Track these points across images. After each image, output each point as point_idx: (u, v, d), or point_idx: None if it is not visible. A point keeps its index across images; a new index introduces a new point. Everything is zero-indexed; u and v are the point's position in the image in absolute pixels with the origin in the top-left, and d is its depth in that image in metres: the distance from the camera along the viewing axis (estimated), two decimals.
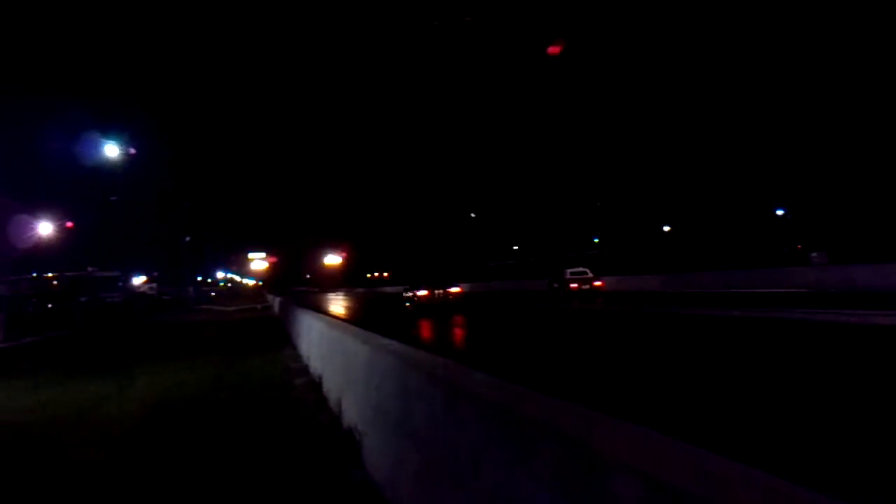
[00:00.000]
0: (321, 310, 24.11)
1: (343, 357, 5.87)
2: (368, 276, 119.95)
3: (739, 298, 17.21)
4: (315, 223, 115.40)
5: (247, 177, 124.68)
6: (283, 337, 14.80)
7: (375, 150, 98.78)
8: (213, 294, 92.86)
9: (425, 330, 13.77)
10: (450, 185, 76.19)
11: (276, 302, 34.05)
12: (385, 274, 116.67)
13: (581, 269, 28.85)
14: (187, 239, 50.37)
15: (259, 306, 39.78)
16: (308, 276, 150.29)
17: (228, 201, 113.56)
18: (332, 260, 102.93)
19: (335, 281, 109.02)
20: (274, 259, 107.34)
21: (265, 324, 21.19)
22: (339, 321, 9.27)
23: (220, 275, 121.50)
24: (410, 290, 21.62)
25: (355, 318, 22.24)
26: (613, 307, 17.61)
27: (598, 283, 26.97)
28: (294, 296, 74.54)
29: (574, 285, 27.22)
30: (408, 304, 21.50)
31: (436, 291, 21.11)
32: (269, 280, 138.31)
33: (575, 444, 1.90)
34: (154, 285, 57.46)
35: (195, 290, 57.39)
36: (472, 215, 63.09)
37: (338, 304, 38.89)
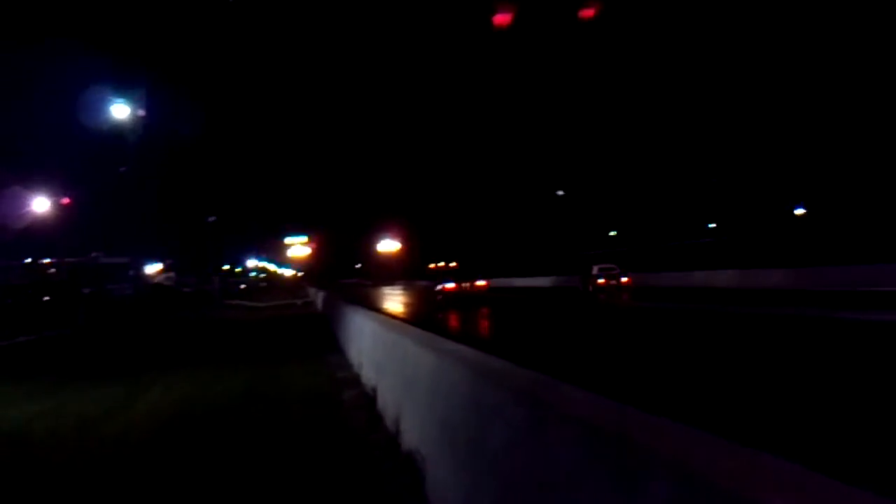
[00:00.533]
0: (375, 307, 24.71)
1: (402, 365, 6.05)
2: (432, 266, 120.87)
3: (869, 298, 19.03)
4: (368, 202, 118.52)
5: (285, 144, 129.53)
6: (329, 340, 15.37)
7: (441, 114, 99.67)
8: (242, 286, 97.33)
9: (452, 320, 20.10)
10: (533, 158, 76.36)
11: (319, 297, 35.17)
12: (452, 264, 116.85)
13: (609, 265, 36.41)
14: (211, 219, 52.93)
15: (299, 302, 41.36)
16: (358, 267, 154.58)
17: (262, 174, 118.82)
18: (388, 247, 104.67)
19: (391, 272, 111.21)
20: (316, 245, 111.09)
21: (306, 323, 22.11)
22: (397, 321, 9.52)
23: (250, 263, 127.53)
24: (440, 284, 31.04)
25: (417, 317, 22.79)
26: (641, 304, 22.75)
27: (625, 280, 34.46)
28: (341, 290, 76.76)
29: (601, 281, 34.92)
30: (438, 296, 30.59)
31: (462, 284, 29.84)
32: (311, 270, 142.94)
33: (699, 483, 1.90)
34: (172, 275, 61.09)
35: (221, 281, 60.65)
36: (560, 193, 63.04)
37: (395, 301, 39.80)
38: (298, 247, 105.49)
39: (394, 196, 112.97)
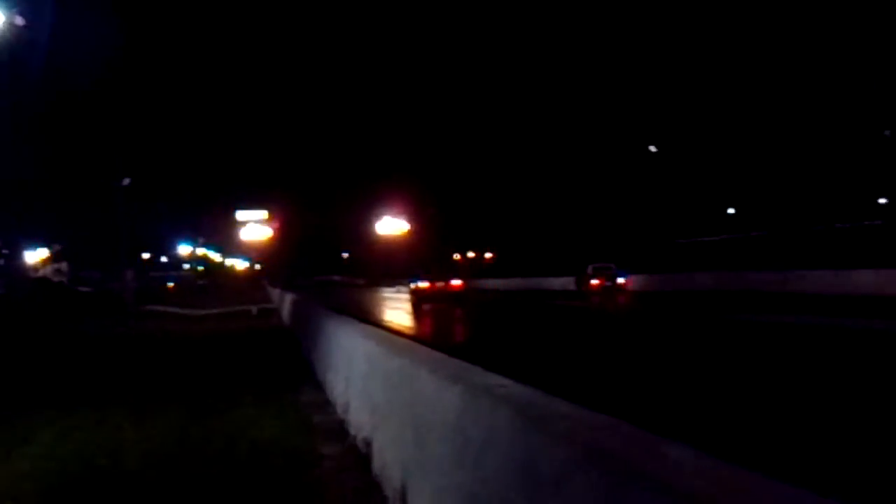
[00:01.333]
0: (370, 319, 24.85)
1: (411, 407, 6.05)
2: (458, 257, 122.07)
3: None
4: (360, 161, 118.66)
5: (237, 75, 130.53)
6: (300, 367, 15.61)
7: (467, 37, 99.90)
8: (170, 284, 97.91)
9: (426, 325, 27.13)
10: (608, 98, 77.79)
11: (285, 302, 35.53)
12: (487, 255, 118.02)
13: (605, 264, 50.12)
14: (126, 182, 53.13)
15: (254, 309, 41.80)
16: (346, 257, 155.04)
17: (202, 118, 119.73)
18: (390, 228, 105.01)
19: (394, 266, 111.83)
20: (281, 224, 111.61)
21: (267, 342, 22.48)
22: (404, 340, 9.53)
23: (183, 250, 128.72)
24: (413, 283, 44.50)
25: (435, 336, 22.90)
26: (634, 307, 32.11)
27: (621, 281, 49.85)
28: (319, 291, 77.63)
29: (595, 282, 50.12)
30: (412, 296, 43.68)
31: (436, 284, 43.27)
32: (274, 262, 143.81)
33: None
34: (63, 266, 61.75)
35: (138, 277, 61.29)
36: (652, 149, 63.57)
37: (399, 310, 40.80)
38: (255, 226, 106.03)
39: (399, 152, 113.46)
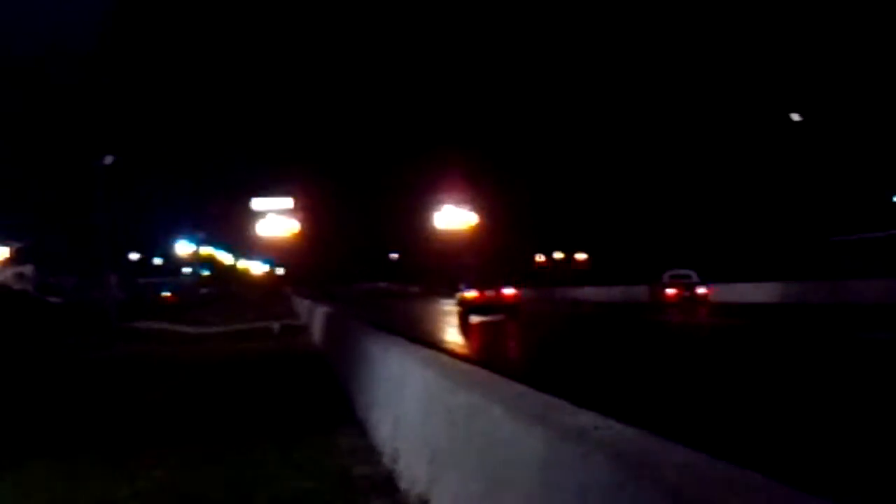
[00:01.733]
0: (427, 339, 24.64)
1: (482, 454, 6.10)
2: (542, 259, 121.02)
3: None
4: (413, 133, 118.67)
5: (254, 30, 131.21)
6: (334, 402, 15.74)
7: None
8: (167, 294, 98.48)
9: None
10: (740, 66, 78.13)
11: (316, 316, 35.65)
12: (579, 256, 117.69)
13: (685, 272, 56.41)
14: (108, 161, 54.01)
15: (276, 326, 42.11)
16: (395, 259, 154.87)
17: (208, 85, 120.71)
18: (453, 220, 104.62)
19: (460, 269, 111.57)
20: (311, 216, 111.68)
21: (291, 368, 22.79)
22: (472, 367, 9.56)
23: (183, 249, 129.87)
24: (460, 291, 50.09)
25: (507, 360, 23.18)
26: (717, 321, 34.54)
27: (702, 291, 55.54)
28: (360, 302, 77.83)
29: (671, 292, 56.50)
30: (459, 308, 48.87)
31: (486, 293, 48.37)
32: (301, 264, 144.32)
33: None
34: (27, 271, 62.37)
35: (124, 284, 61.82)
36: (795, 118, 63.09)
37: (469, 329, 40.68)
38: (276, 218, 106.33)
39: (464, 121, 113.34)
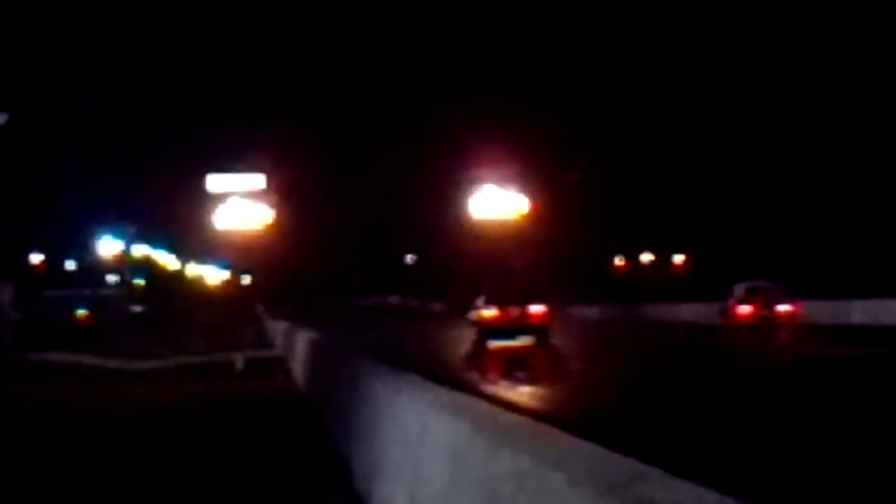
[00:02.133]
0: (457, 379, 24.64)
1: None
2: (622, 263, 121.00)
3: None
4: (434, 81, 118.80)
5: None
6: (322, 471, 15.86)
7: None
8: (81, 313, 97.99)
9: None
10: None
11: (298, 345, 35.69)
12: (677, 258, 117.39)
13: (765, 282, 58.74)
14: (1, 121, 54.42)
15: (240, 360, 42.17)
16: (414, 262, 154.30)
17: (146, 13, 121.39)
18: (495, 207, 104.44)
19: (504, 278, 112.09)
20: (289, 200, 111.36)
21: (261, 422, 22.91)
22: (519, 419, 9.56)
23: (107, 248, 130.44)
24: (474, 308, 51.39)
25: (572, 405, 23.13)
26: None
27: (784, 309, 55.88)
28: (362, 324, 77.88)
29: (746, 311, 57.05)
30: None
31: (508, 311, 47.84)
32: (276, 270, 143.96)
33: None
34: None
35: (23, 298, 61.98)
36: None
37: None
38: (241, 204, 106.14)
39: (510, 62, 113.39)
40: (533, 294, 53.48)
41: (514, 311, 48.18)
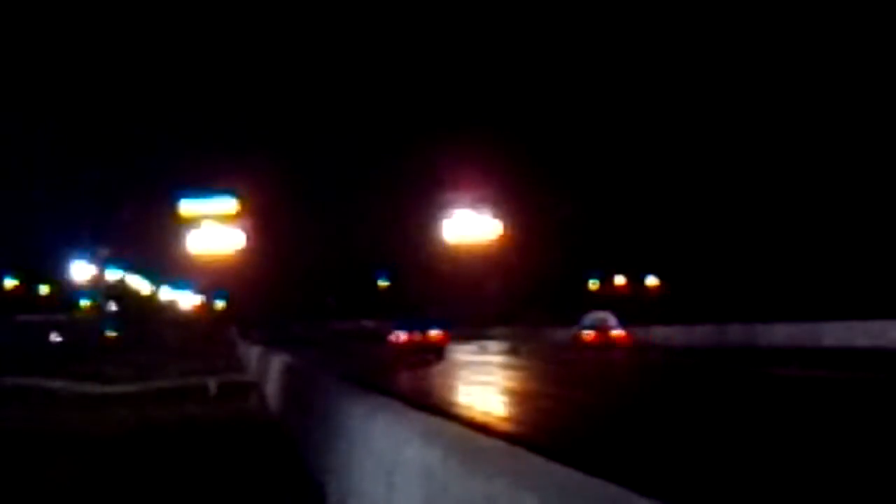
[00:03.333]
0: (431, 402, 24.58)
1: None
2: (595, 286, 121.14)
3: None
4: (406, 106, 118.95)
5: None
6: (296, 497, 15.84)
7: None
8: (56, 338, 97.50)
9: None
10: None
11: (272, 369, 35.69)
12: (650, 281, 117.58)
13: (602, 314, 79.13)
14: None
15: (213, 384, 42.09)
16: (387, 287, 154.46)
17: (122, 40, 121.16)
18: (469, 230, 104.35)
19: (478, 302, 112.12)
20: (262, 223, 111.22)
21: (234, 448, 22.80)
22: (494, 443, 9.53)
23: (80, 272, 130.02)
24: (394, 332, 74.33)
25: (551, 429, 23.15)
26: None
27: (615, 334, 75.97)
28: (335, 348, 78.28)
29: (589, 335, 76.91)
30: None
31: (414, 336, 71.58)
32: (250, 294, 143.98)
33: None
34: None
35: None
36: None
37: (488, 386, 41.34)
38: (214, 228, 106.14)
39: (482, 93, 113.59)
40: (432, 322, 74.39)
41: (418, 336, 70.32)
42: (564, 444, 19.91)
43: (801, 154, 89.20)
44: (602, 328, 76.48)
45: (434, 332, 70.81)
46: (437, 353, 67.81)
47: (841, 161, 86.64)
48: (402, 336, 70.52)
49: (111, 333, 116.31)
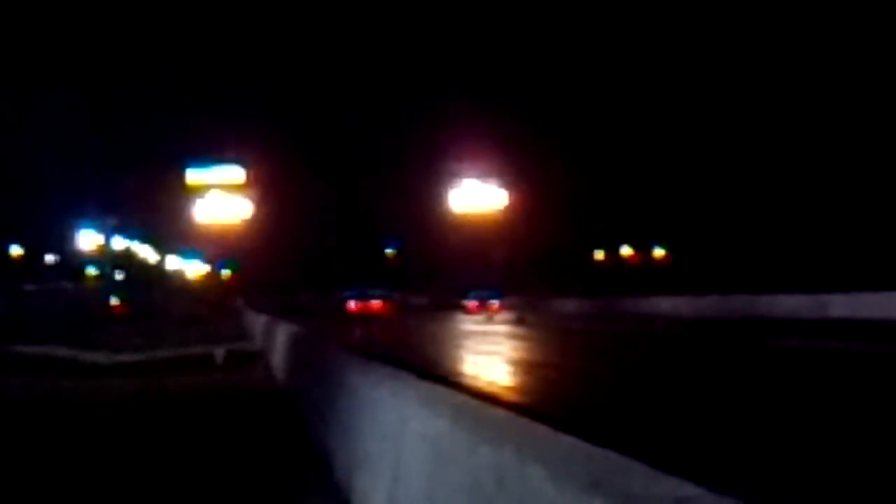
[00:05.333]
0: (438, 372, 24.63)
1: None
2: (601, 257, 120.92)
3: None
4: (416, 74, 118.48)
5: None
6: (302, 463, 15.82)
7: None
8: (115, 303, 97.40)
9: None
10: None
11: (278, 339, 35.55)
12: (656, 252, 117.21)
13: (485, 293, 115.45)
14: None
15: (220, 353, 41.99)
16: (394, 255, 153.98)
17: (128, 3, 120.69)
18: (476, 200, 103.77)
19: (485, 272, 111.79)
20: (269, 193, 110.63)
21: (241, 415, 22.93)
22: (502, 413, 9.51)
23: (87, 241, 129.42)
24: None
25: (556, 399, 23.14)
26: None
27: (491, 304, 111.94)
28: (342, 318, 79.68)
29: (473, 305, 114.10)
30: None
31: (364, 303, 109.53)
32: (256, 263, 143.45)
33: None
34: None
35: (6, 293, 61.40)
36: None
37: (495, 356, 41.23)
38: (221, 197, 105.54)
39: (490, 61, 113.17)
40: (376, 294, 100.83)
41: (361, 304, 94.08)
42: (566, 413, 19.96)
43: (807, 126, 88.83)
44: (482, 301, 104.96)
45: (374, 302, 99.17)
46: (377, 318, 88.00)
47: (849, 131, 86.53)
48: (352, 304, 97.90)
49: (115, 301, 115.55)
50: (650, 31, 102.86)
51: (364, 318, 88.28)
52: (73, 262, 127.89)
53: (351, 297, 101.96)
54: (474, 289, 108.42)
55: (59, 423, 23.39)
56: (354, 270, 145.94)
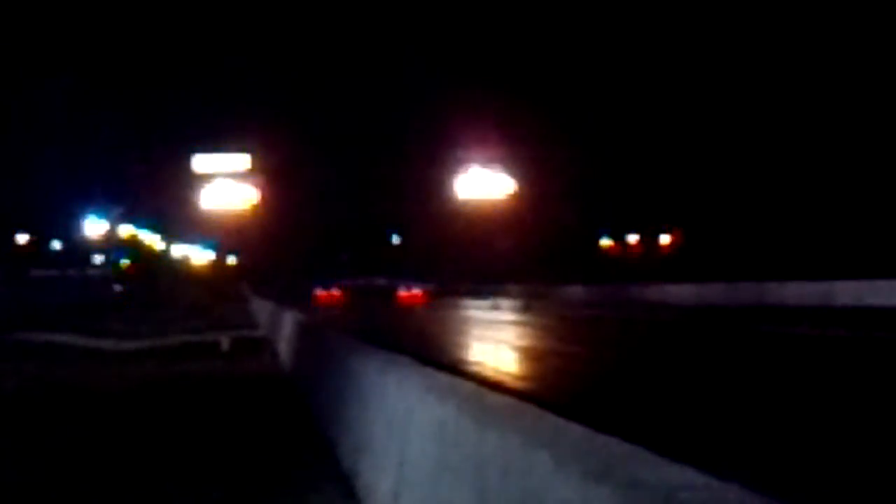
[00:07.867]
0: (443, 360, 24.60)
1: None
2: (609, 244, 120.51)
3: None
4: (421, 62, 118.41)
5: None
6: (308, 450, 15.73)
7: None
8: (117, 289, 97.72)
9: None
10: None
11: (284, 326, 35.56)
12: (663, 238, 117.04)
13: (412, 282, 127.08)
14: None
15: (226, 340, 41.98)
16: (399, 243, 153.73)
17: None
18: (482, 187, 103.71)
19: (492, 260, 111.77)
20: (274, 181, 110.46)
21: (246, 401, 22.85)
22: (507, 400, 9.51)
23: (93, 228, 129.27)
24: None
25: (563, 391, 23.18)
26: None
27: (415, 291, 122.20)
28: (351, 307, 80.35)
29: (403, 293, 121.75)
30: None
31: (331, 292, 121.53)
32: (262, 251, 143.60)
33: None
34: None
35: (12, 281, 61.37)
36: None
37: (502, 344, 41.36)
38: (227, 185, 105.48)
39: (496, 47, 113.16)
40: (335, 283, 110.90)
41: (325, 292, 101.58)
42: (572, 401, 19.95)
43: (815, 114, 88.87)
44: (409, 289, 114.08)
45: (334, 291, 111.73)
46: (339, 304, 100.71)
47: (857, 117, 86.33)
48: (320, 292, 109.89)
49: (118, 287, 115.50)
50: (660, 15, 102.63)
51: (329, 305, 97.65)
52: (79, 250, 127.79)
53: (319, 285, 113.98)
54: (322, 279, 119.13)
55: (64, 411, 23.38)
56: (360, 258, 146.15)
